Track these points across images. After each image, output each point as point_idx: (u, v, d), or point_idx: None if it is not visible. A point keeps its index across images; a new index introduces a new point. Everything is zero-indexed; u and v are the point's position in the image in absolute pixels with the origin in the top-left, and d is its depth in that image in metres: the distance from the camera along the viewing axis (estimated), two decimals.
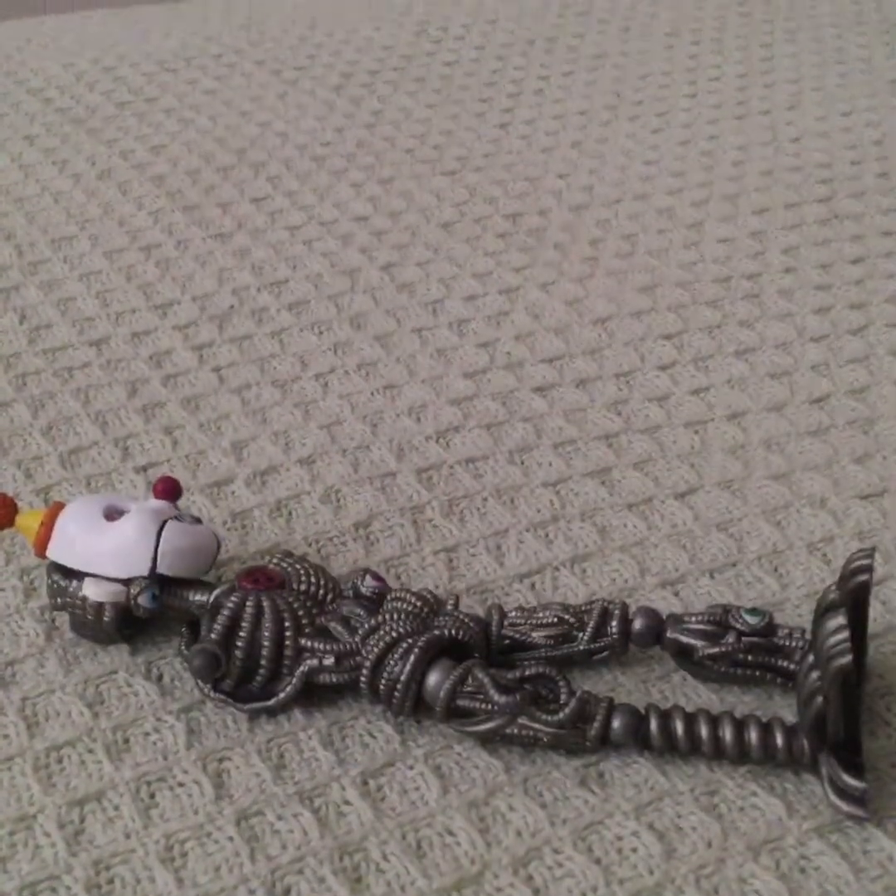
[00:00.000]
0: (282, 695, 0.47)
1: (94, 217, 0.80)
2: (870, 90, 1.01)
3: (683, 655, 0.48)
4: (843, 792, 0.43)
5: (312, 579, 0.49)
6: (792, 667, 0.47)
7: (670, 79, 1.04)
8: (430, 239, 0.79)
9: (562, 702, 0.45)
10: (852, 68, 1.06)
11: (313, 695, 0.47)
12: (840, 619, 0.43)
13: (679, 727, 0.45)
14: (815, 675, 0.43)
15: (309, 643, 0.47)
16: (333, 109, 0.97)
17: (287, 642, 0.47)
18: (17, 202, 0.82)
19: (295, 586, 0.48)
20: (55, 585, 0.49)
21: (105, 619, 0.48)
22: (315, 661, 0.46)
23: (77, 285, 0.74)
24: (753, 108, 0.99)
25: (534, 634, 0.48)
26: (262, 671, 0.47)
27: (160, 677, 0.48)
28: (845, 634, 0.42)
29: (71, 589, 0.48)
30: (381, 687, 0.46)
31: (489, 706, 0.45)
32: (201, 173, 0.86)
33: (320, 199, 0.84)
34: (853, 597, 0.45)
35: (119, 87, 0.99)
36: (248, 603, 0.47)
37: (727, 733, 0.44)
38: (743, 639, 0.47)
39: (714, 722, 0.45)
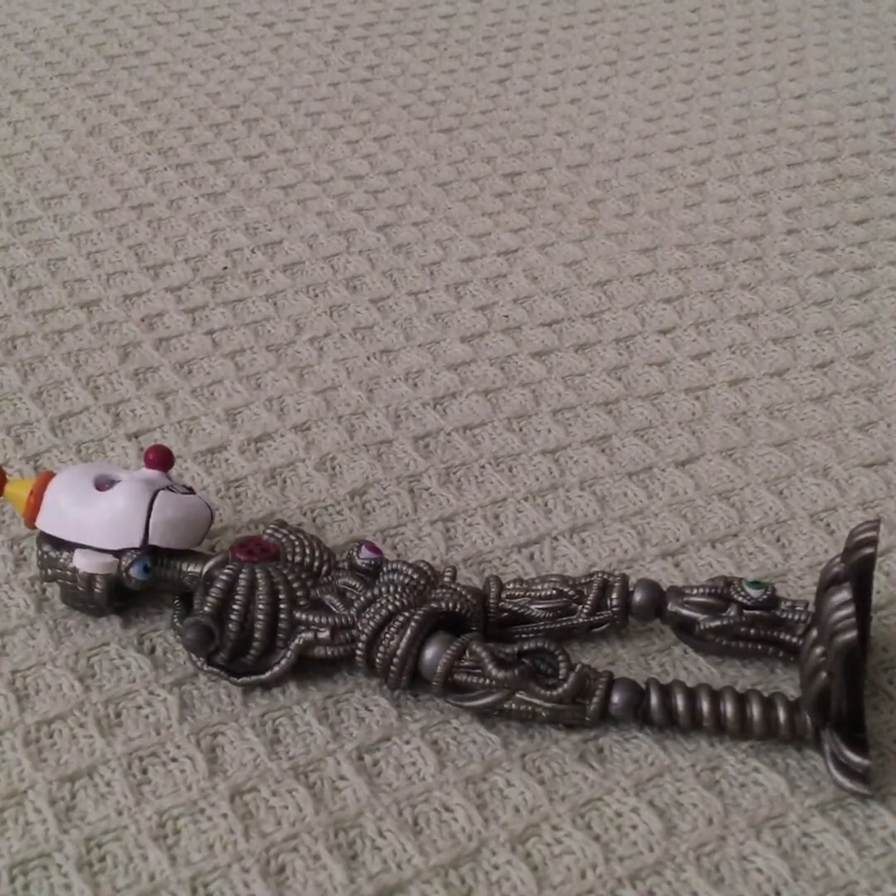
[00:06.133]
0: (276, 668, 0.46)
1: (84, 175, 0.79)
2: (875, 46, 1.00)
3: (684, 629, 0.47)
4: (845, 768, 0.43)
5: (307, 550, 0.48)
6: (794, 640, 0.46)
7: (671, 33, 1.02)
8: (427, 198, 0.78)
9: (561, 676, 0.44)
10: (857, 23, 1.04)
11: (308, 668, 0.47)
12: (845, 594, 0.42)
13: (680, 702, 0.44)
14: (818, 650, 0.43)
15: (304, 616, 0.46)
16: (328, 64, 0.95)
17: (281, 615, 0.46)
18: (5, 159, 0.80)
19: (289, 557, 0.48)
20: (45, 556, 0.48)
21: (96, 590, 0.47)
22: (310, 635, 0.46)
23: (67, 245, 0.72)
24: (756, 64, 0.97)
25: (532, 607, 0.48)
26: (256, 644, 0.46)
27: (153, 650, 0.48)
28: (850, 610, 0.41)
29: (61, 560, 0.48)
30: (377, 661, 0.45)
31: (487, 681, 0.44)
32: (194, 130, 0.85)
33: (315, 156, 0.82)
34: (857, 570, 0.45)
35: (110, 39, 0.97)
36: (241, 575, 0.46)
37: (728, 708, 0.44)
38: (745, 612, 0.47)
39: (715, 697, 0.44)
